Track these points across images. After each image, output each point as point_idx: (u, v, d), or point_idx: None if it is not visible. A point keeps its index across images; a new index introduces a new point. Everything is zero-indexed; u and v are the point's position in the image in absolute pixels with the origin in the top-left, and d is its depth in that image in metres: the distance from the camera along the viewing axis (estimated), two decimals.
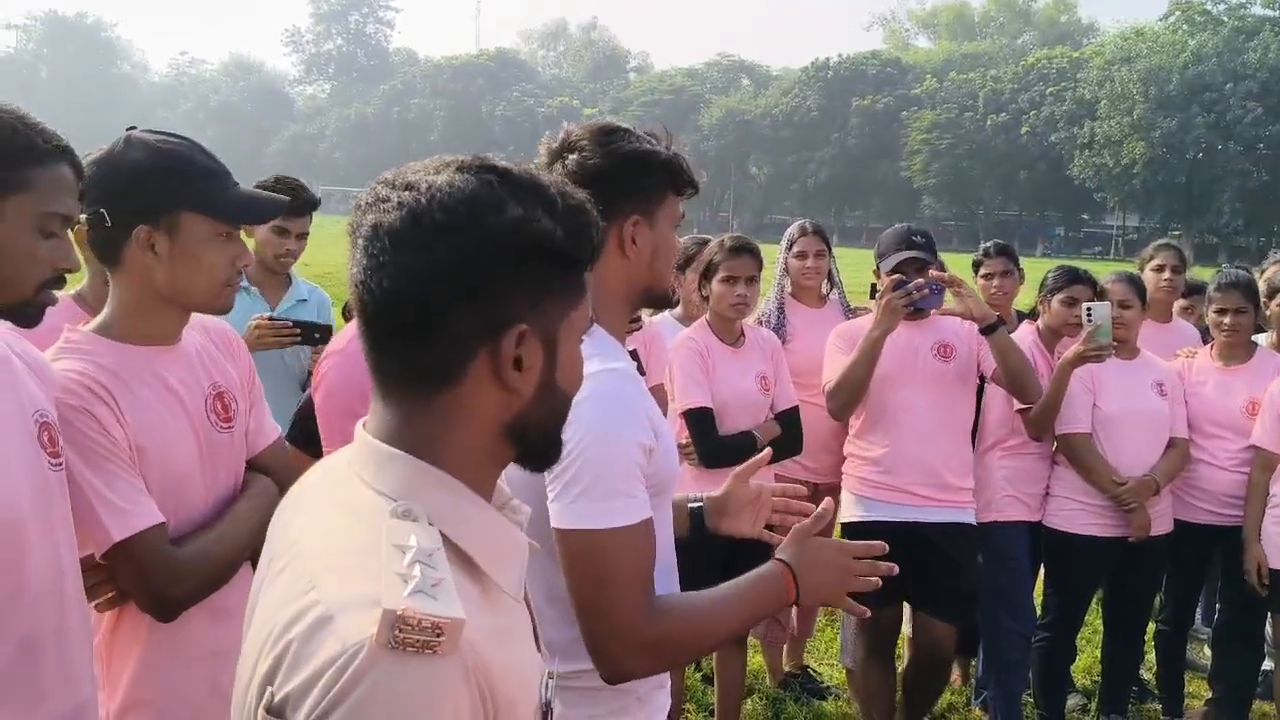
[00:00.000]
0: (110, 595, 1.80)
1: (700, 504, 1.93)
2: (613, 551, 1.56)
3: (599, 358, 1.64)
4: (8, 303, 1.55)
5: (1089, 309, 3.66)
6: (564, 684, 1.67)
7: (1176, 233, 55.88)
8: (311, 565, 0.99)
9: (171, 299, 1.84)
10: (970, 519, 3.70)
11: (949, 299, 3.58)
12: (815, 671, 4.65)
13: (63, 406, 1.71)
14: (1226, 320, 4.01)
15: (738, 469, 1.93)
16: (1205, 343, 4.38)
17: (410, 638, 0.88)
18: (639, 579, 1.58)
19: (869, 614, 1.74)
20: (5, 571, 1.51)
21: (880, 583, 1.71)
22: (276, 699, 0.93)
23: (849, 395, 3.56)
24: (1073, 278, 3.98)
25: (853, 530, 3.73)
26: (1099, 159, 59.95)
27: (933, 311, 3.59)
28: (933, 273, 3.55)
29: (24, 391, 1.62)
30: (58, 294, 2.29)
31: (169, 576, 1.76)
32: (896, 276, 3.47)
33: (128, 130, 1.88)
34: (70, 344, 1.81)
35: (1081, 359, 3.64)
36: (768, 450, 1.93)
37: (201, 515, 1.87)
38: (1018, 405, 3.84)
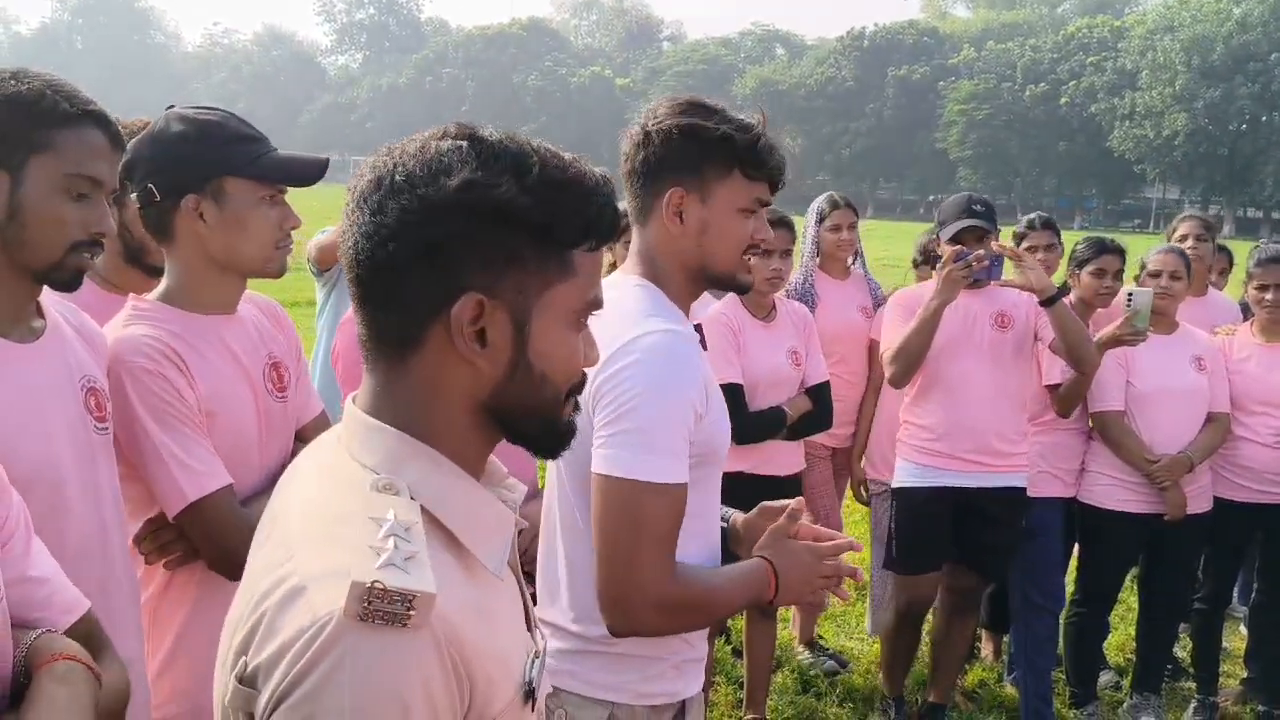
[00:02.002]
0: (178, 555, 1.86)
1: (724, 525, 1.92)
2: (650, 504, 1.58)
3: (658, 318, 1.67)
4: (39, 265, 1.58)
5: (1130, 294, 3.64)
6: (600, 649, 1.70)
7: (1218, 205, 54.94)
8: (291, 536, 0.99)
9: (225, 265, 1.89)
10: (1021, 482, 3.73)
11: (1008, 269, 3.59)
12: (820, 637, 4.69)
13: (137, 370, 1.77)
14: (1268, 296, 3.94)
15: (769, 504, 1.88)
16: (1245, 317, 4.31)
17: (380, 609, 0.87)
18: (666, 537, 1.60)
19: (824, 608, 1.79)
20: (46, 530, 1.55)
21: (840, 594, 1.79)
22: (249, 669, 0.93)
23: (907, 363, 3.59)
24: (1101, 248, 3.95)
25: (904, 495, 3.79)
26: (1139, 130, 58.98)
27: (993, 282, 3.59)
28: (994, 244, 3.56)
29: (72, 358, 1.67)
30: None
31: (240, 535, 1.80)
32: (958, 248, 3.47)
33: (167, 109, 1.93)
34: (140, 311, 1.87)
35: (1116, 341, 3.65)
36: (800, 501, 1.84)
37: (256, 483, 1.92)
38: (1046, 381, 3.83)
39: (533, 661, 1.07)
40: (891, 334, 3.67)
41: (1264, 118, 56.01)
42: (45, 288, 1.67)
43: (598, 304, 1.09)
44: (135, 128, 2.01)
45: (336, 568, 0.90)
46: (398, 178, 0.98)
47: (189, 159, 1.83)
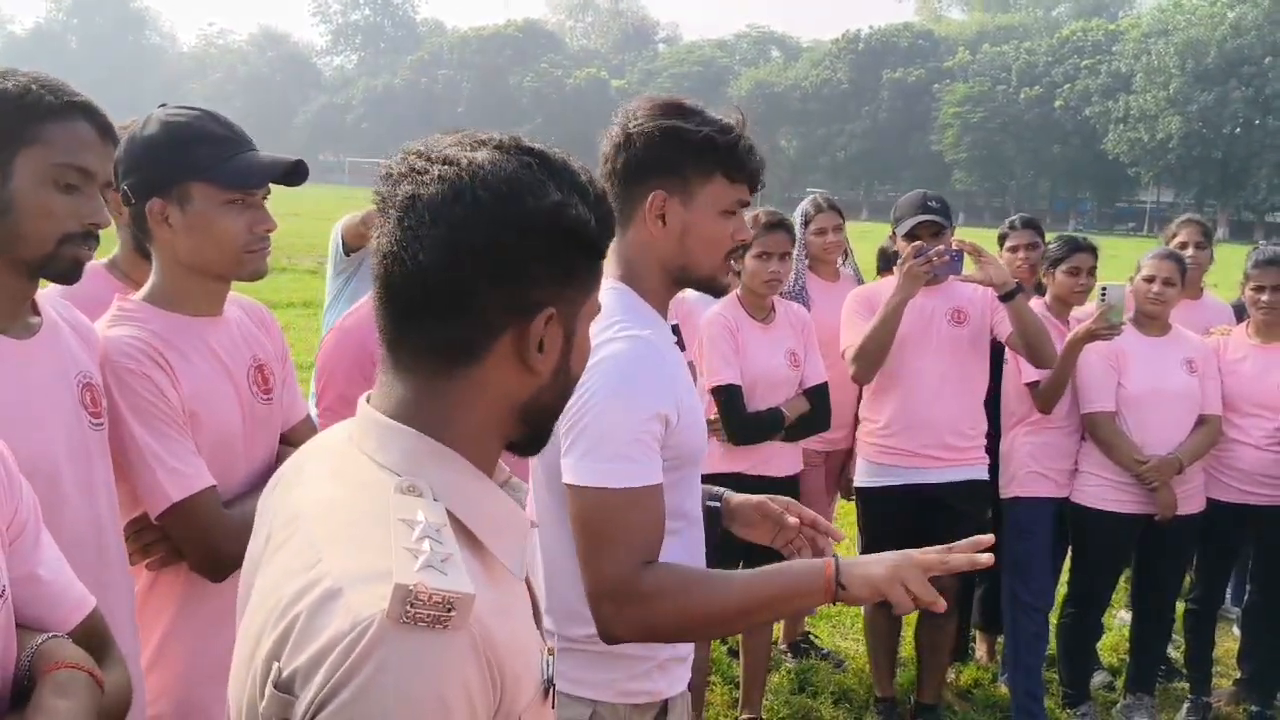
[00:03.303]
0: (161, 555, 1.86)
1: (717, 505, 1.91)
2: (611, 511, 1.57)
3: (621, 324, 1.66)
4: (31, 258, 1.58)
5: (1104, 289, 3.68)
6: (583, 647, 1.70)
7: (1211, 209, 55.06)
8: (316, 538, 0.98)
9: (195, 269, 1.88)
10: (981, 474, 3.76)
11: (968, 265, 3.62)
12: (815, 636, 4.73)
13: (121, 370, 1.77)
14: (1264, 297, 3.95)
15: (767, 501, 1.86)
16: (1238, 319, 4.33)
17: (422, 613, 0.88)
18: (637, 542, 1.58)
19: (943, 606, 1.54)
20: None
21: (944, 603, 1.54)
22: (284, 674, 0.91)
23: (872, 360, 3.61)
24: (1074, 247, 4.00)
25: (866, 495, 3.84)
26: (1134, 133, 59.01)
27: (953, 278, 3.62)
28: (954, 240, 3.59)
29: (68, 355, 1.68)
30: (98, 262, 2.34)
31: (223, 536, 1.81)
32: (918, 244, 3.50)
33: (158, 106, 1.93)
34: (124, 311, 1.87)
35: (1091, 336, 3.68)
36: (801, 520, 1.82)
37: (240, 484, 1.92)
38: (1026, 379, 3.86)
39: (546, 659, 1.10)
40: (851, 332, 3.69)
41: (1257, 121, 56.02)
42: (40, 285, 1.68)
43: (599, 306, 1.16)
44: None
45: (374, 570, 0.91)
46: (480, 193, 0.99)
47: (155, 162, 1.82)
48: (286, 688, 0.91)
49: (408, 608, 0.87)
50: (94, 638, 1.30)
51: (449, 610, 0.89)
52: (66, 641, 1.22)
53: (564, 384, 1.11)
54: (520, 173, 1.02)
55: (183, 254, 1.85)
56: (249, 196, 1.87)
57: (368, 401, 1.09)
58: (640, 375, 1.63)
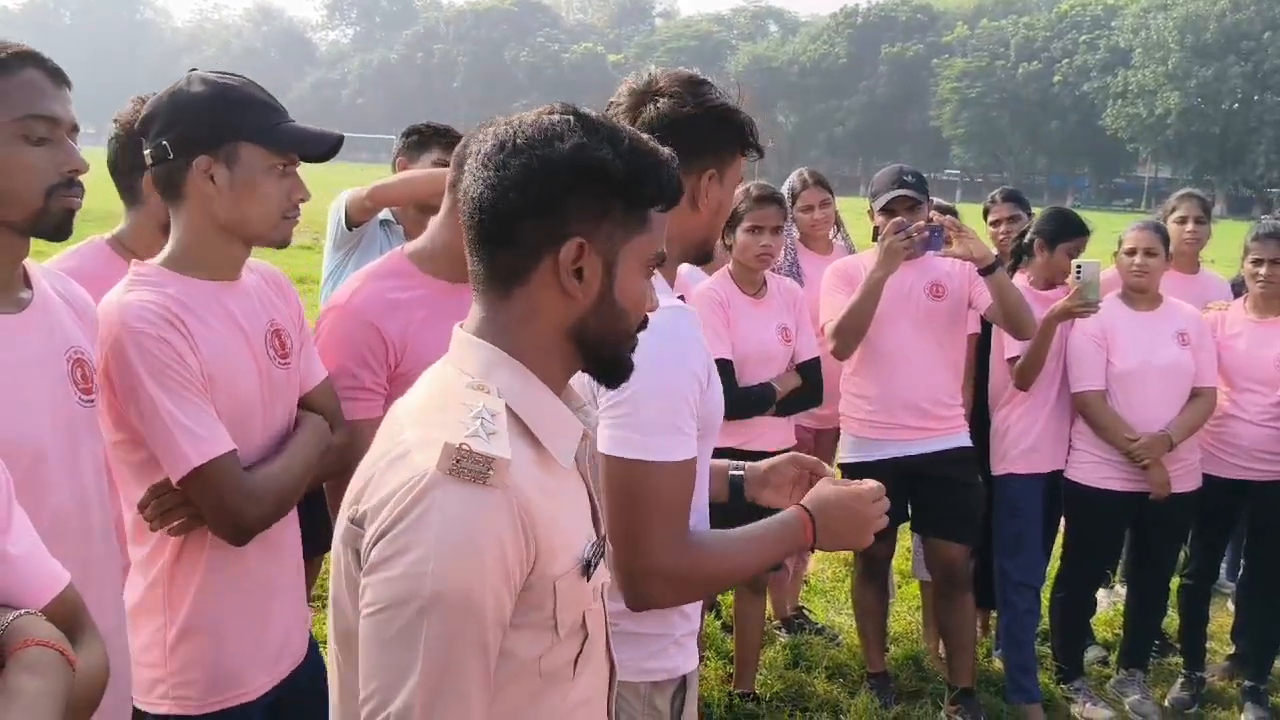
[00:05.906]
0: (182, 520, 1.85)
1: (740, 473, 1.95)
2: (654, 483, 1.57)
3: (660, 294, 1.65)
4: (22, 217, 1.57)
5: (1079, 266, 3.66)
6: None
7: (1209, 184, 54.95)
8: (402, 423, 1.25)
9: (230, 229, 1.88)
10: (964, 441, 3.75)
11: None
12: (809, 611, 4.72)
13: (140, 335, 1.76)
14: (1263, 270, 3.91)
15: (801, 455, 1.95)
16: (1235, 295, 4.30)
17: (465, 467, 1.12)
18: (676, 513, 1.61)
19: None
20: (22, 506, 1.53)
21: (888, 520, 1.77)
22: (359, 512, 1.19)
23: (852, 335, 3.61)
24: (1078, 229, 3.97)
25: (851, 471, 3.80)
26: (1132, 109, 58.84)
27: (933, 252, 3.60)
28: (934, 215, 3.58)
29: (59, 330, 1.65)
30: (99, 237, 2.30)
31: (245, 500, 1.82)
32: (898, 219, 3.48)
33: (190, 71, 1.93)
34: (141, 276, 1.85)
35: (1068, 314, 3.67)
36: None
37: (259, 448, 1.91)
38: (1007, 354, 3.85)
39: (591, 545, 1.29)
40: (830, 308, 3.67)
41: (1256, 97, 55.87)
42: (30, 261, 1.65)
43: (663, 258, 1.34)
44: (128, 118, 2.02)
45: (435, 438, 1.15)
46: (519, 141, 1.22)
47: (206, 119, 1.82)
48: (359, 522, 1.19)
49: (454, 462, 1.12)
50: (67, 617, 1.28)
51: (488, 469, 1.12)
52: (39, 619, 1.21)
53: (612, 313, 1.28)
54: (555, 124, 1.23)
55: (221, 213, 1.85)
56: (290, 164, 1.90)
57: (460, 327, 1.31)
58: (682, 344, 1.64)
